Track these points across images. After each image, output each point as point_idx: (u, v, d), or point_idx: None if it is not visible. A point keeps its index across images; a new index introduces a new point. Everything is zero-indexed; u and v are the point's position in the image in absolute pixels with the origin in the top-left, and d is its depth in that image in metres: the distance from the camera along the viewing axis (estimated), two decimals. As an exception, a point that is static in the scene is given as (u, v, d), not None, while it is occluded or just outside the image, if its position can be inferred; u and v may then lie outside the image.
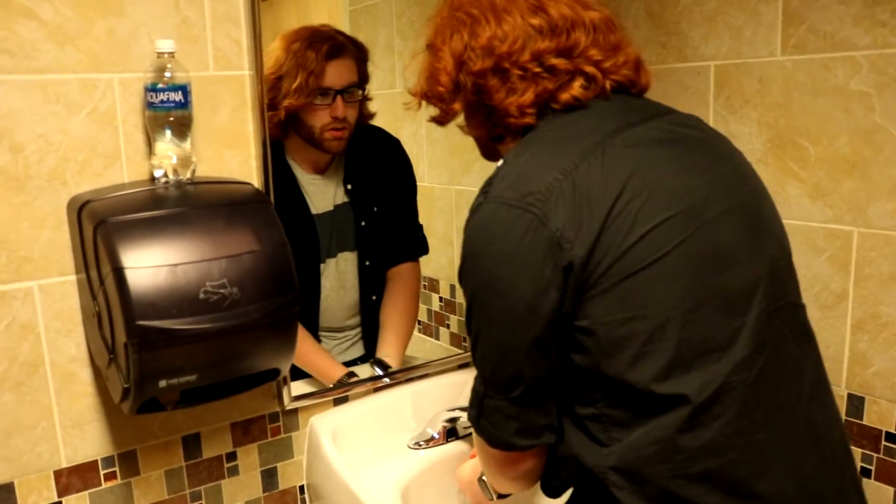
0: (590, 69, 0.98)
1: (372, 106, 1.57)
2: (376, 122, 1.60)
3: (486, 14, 1.00)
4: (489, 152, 1.12)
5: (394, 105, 1.64)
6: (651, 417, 0.88)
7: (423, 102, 1.09)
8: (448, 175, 1.74)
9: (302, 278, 1.48)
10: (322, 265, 1.55)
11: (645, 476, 0.88)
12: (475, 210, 0.94)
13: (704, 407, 0.87)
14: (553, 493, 1.04)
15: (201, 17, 1.22)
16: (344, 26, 1.67)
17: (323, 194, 1.55)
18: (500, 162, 0.97)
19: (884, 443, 1.39)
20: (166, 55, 1.13)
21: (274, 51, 1.43)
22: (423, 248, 1.68)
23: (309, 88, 1.43)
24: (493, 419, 0.97)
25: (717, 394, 0.87)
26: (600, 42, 0.99)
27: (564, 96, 0.98)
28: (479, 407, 0.98)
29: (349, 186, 1.57)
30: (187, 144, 1.16)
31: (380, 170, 1.60)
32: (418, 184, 1.69)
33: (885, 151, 1.31)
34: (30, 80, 1.10)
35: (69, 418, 1.20)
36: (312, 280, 1.54)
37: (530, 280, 0.88)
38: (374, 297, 1.64)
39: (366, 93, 1.53)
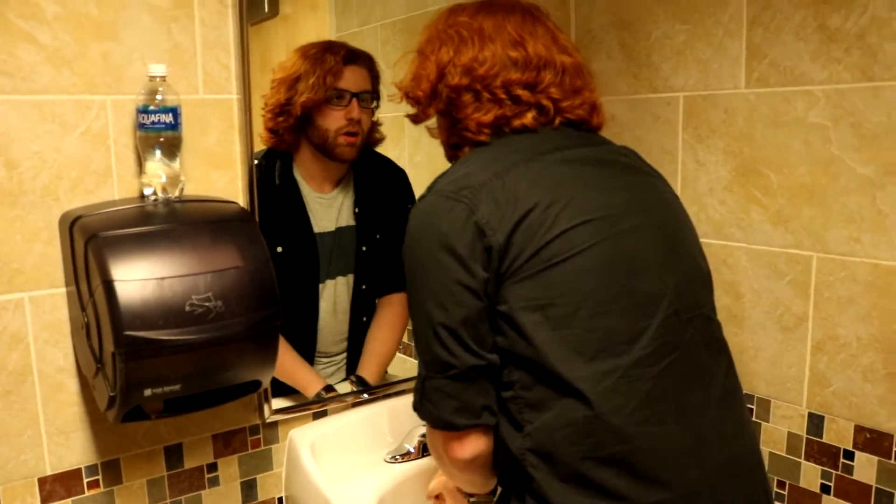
0: (546, 104, 1.10)
1: (383, 130, 1.61)
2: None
3: (473, 37, 1.11)
4: (449, 156, 1.21)
5: (383, 129, 1.69)
6: (561, 398, 0.96)
7: (403, 99, 1.19)
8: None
9: (300, 298, 1.52)
10: (321, 285, 1.58)
11: (557, 457, 0.96)
12: (420, 200, 1.06)
13: (606, 395, 0.95)
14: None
15: (192, 43, 1.28)
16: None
17: (326, 214, 1.57)
18: (451, 166, 1.09)
19: (842, 460, 1.44)
20: (158, 79, 1.19)
21: (290, 58, 1.47)
22: None
23: (326, 86, 1.46)
24: (433, 398, 1.03)
25: (618, 383, 0.95)
26: (565, 84, 1.11)
27: (517, 122, 1.09)
28: (421, 390, 1.05)
29: (357, 210, 1.59)
30: (176, 164, 1.21)
31: (385, 198, 1.63)
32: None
33: (841, 181, 1.38)
34: (27, 101, 1.15)
35: (55, 427, 1.23)
36: (311, 300, 1.57)
37: (461, 261, 0.98)
38: (364, 319, 1.66)
39: (376, 111, 1.57)
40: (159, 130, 1.19)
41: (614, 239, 1.01)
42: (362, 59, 1.53)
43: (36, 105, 1.16)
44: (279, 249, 1.46)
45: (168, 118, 1.19)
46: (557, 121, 1.11)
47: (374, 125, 1.58)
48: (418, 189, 1.74)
